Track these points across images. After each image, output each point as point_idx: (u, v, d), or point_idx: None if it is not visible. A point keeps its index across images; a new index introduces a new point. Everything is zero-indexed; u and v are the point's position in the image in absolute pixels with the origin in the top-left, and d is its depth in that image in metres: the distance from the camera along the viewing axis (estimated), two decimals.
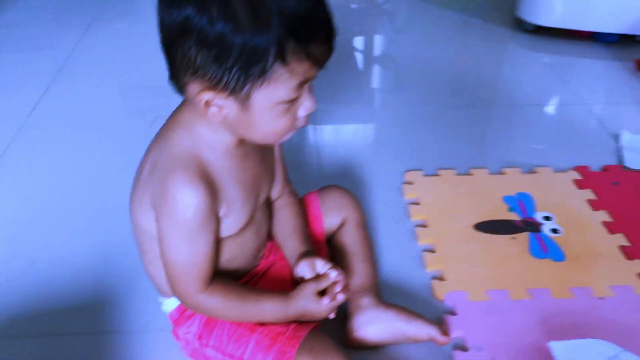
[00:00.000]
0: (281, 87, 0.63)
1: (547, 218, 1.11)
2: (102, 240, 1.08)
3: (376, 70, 1.86)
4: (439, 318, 0.91)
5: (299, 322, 0.77)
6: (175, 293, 0.75)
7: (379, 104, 1.62)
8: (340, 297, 0.76)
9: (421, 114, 1.49)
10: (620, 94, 1.60)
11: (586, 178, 1.22)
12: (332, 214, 0.93)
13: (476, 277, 0.99)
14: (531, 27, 1.87)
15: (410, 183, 1.21)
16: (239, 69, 0.60)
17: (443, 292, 0.95)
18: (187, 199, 0.67)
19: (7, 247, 1.08)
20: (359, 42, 2.02)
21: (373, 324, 0.84)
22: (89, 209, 1.16)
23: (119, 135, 1.41)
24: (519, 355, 0.85)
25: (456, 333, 0.88)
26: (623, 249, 1.04)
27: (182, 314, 0.81)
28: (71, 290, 0.98)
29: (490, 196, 1.17)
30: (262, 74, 0.61)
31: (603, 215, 1.12)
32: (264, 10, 0.58)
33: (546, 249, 1.04)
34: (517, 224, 1.10)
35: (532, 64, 1.77)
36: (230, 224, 0.74)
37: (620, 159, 1.29)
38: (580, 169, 1.25)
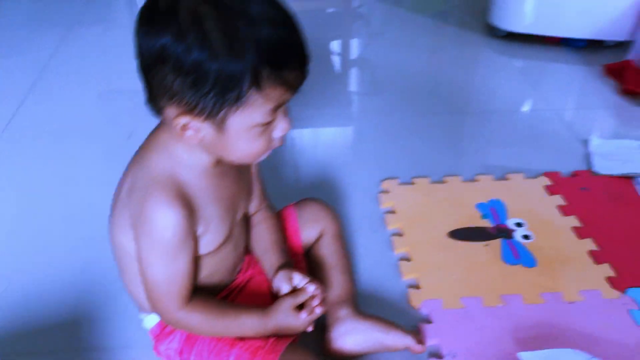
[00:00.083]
0: (256, 111, 0.64)
1: (518, 224, 1.14)
2: (81, 257, 1.08)
3: (351, 76, 1.88)
4: (415, 326, 0.93)
5: (278, 335, 0.79)
6: (156, 310, 0.77)
7: (354, 111, 1.64)
8: (318, 311, 0.78)
9: (396, 121, 1.52)
10: (589, 99, 1.64)
11: (556, 184, 1.26)
12: (309, 227, 0.95)
13: (451, 284, 1.01)
14: (503, 33, 1.91)
15: (386, 192, 1.24)
16: (215, 95, 0.62)
17: (419, 301, 0.98)
18: (165, 220, 0.69)
19: None
20: (334, 46, 2.04)
21: (351, 335, 0.86)
22: (67, 225, 1.16)
23: (97, 148, 1.41)
24: None
25: (431, 341, 0.90)
26: (592, 253, 1.08)
27: (163, 330, 0.82)
28: (50, 308, 0.98)
29: (463, 204, 1.20)
30: (238, 100, 0.62)
31: (573, 221, 1.16)
32: (239, 39, 0.60)
33: (518, 255, 1.07)
34: (489, 231, 1.13)
35: (504, 70, 1.81)
36: (209, 241, 0.76)
37: (589, 164, 1.33)
38: (550, 175, 1.29)
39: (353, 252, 1.08)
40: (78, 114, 1.56)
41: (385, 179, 1.28)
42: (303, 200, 0.99)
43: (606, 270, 1.04)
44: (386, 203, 1.20)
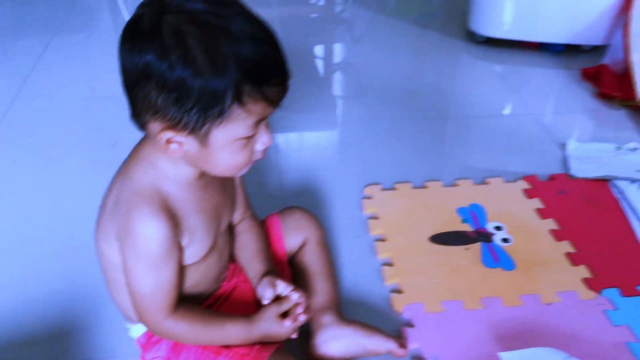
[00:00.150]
0: (239, 125, 0.66)
1: (498, 228, 1.17)
2: (67, 269, 1.08)
3: (334, 81, 1.90)
4: (397, 330, 0.96)
5: (263, 343, 0.81)
6: (142, 321, 0.78)
7: (337, 116, 1.66)
8: (302, 318, 0.80)
9: (379, 126, 1.54)
10: (567, 102, 1.68)
11: (535, 187, 1.29)
12: (293, 235, 0.97)
13: (432, 288, 1.04)
14: (482, 38, 1.94)
15: (369, 198, 1.26)
16: (198, 111, 0.64)
17: (401, 305, 1.00)
18: (151, 232, 0.70)
19: None
20: (317, 51, 2.07)
21: (335, 341, 0.88)
22: (53, 236, 1.17)
23: (82, 157, 1.41)
24: None
25: (413, 345, 0.93)
26: (569, 255, 1.11)
27: (150, 339, 0.84)
28: (37, 319, 0.99)
29: (444, 208, 1.22)
30: (221, 115, 0.64)
31: (550, 224, 1.19)
32: (221, 56, 0.61)
33: (497, 259, 1.10)
34: (469, 234, 1.16)
35: (483, 75, 1.84)
36: (194, 252, 0.77)
37: (566, 167, 1.37)
38: (529, 179, 1.32)
39: (337, 258, 1.10)
40: (63, 121, 1.56)
41: (368, 184, 1.30)
42: (287, 208, 1.01)
43: (582, 271, 1.07)
44: (369, 209, 1.23)
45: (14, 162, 1.41)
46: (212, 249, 0.81)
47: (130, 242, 0.71)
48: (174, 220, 0.72)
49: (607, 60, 1.75)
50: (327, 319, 0.90)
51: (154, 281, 0.73)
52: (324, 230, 1.02)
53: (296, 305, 0.80)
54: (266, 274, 0.85)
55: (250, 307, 0.86)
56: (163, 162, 0.72)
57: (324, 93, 1.78)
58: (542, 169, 1.36)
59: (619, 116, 1.59)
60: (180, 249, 0.75)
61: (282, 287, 0.82)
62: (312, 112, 1.62)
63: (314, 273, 0.95)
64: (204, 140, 0.67)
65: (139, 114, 0.67)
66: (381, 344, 0.88)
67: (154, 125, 0.67)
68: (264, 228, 0.95)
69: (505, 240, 1.14)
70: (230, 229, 0.90)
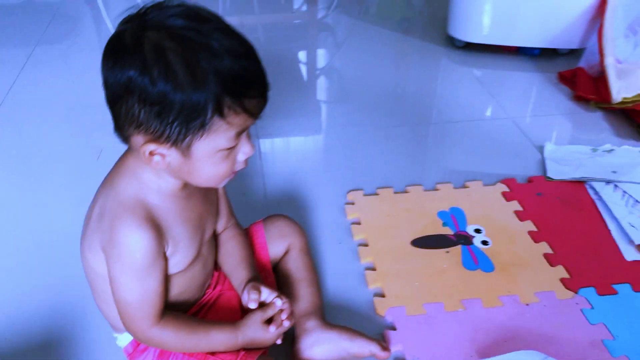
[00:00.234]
0: (220, 137, 0.68)
1: (477, 231, 1.20)
2: (52, 279, 1.09)
3: (316, 87, 1.92)
4: (380, 334, 0.98)
5: (248, 349, 0.82)
6: (128, 329, 0.79)
7: (320, 122, 1.68)
8: (286, 324, 0.82)
9: (361, 132, 1.56)
10: (544, 105, 1.71)
11: (513, 190, 1.32)
12: (276, 243, 0.99)
13: (414, 291, 1.06)
14: (461, 43, 1.98)
15: (352, 203, 1.28)
16: (179, 124, 0.65)
17: (384, 309, 1.02)
18: (135, 242, 0.72)
19: None
20: (301, 56, 2.09)
21: (319, 345, 0.90)
22: (38, 247, 1.17)
23: (66, 169, 1.41)
24: None
25: (396, 347, 0.95)
26: (547, 256, 1.14)
27: (137, 348, 0.85)
28: (23, 330, 0.99)
29: (425, 212, 1.25)
30: (202, 127, 0.66)
31: (529, 225, 1.22)
32: (201, 70, 0.63)
33: (477, 261, 1.12)
34: (450, 238, 1.18)
35: (463, 79, 1.87)
36: (179, 261, 0.79)
37: (544, 170, 1.40)
38: (507, 182, 1.34)
39: (321, 264, 1.12)
40: (47, 132, 1.56)
41: (351, 190, 1.32)
42: (270, 216, 1.02)
43: (560, 272, 1.10)
44: (352, 214, 1.25)
45: (1, 172, 1.41)
46: (196, 258, 0.82)
47: (115, 252, 0.73)
48: (158, 230, 0.73)
49: (582, 63, 1.80)
50: (311, 324, 0.92)
51: (139, 290, 0.75)
52: (307, 237, 1.04)
53: (280, 311, 0.82)
54: (250, 280, 0.87)
55: (235, 314, 0.88)
56: (147, 174, 0.74)
57: (307, 98, 1.81)
58: (521, 172, 1.39)
59: (595, 118, 1.63)
60: (165, 259, 0.76)
61: (267, 294, 0.84)
62: (295, 118, 1.64)
63: (297, 279, 0.97)
64: (186, 152, 0.68)
65: (123, 127, 0.69)
66: (364, 347, 0.90)
67: (137, 138, 0.68)
68: (248, 236, 0.97)
69: (484, 242, 1.17)
70: (214, 238, 0.92)
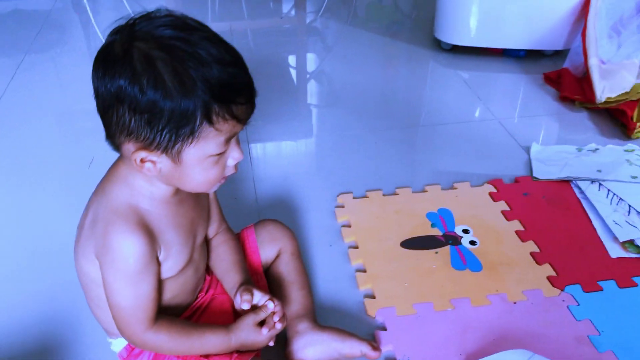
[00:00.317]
0: (210, 143, 0.69)
1: (465, 231, 1.22)
2: (46, 285, 1.10)
3: (307, 92, 1.94)
4: (371, 334, 0.99)
5: (241, 351, 0.84)
6: (123, 334, 0.80)
7: (310, 126, 1.70)
8: (279, 326, 0.84)
9: (350, 135, 1.58)
10: (530, 106, 1.74)
11: (500, 190, 1.34)
12: (268, 247, 1.00)
13: (404, 292, 1.08)
14: (448, 46, 2.00)
15: (342, 206, 1.30)
16: (169, 131, 0.67)
17: (374, 309, 1.04)
18: (128, 248, 0.73)
19: None
20: (290, 60, 2.11)
21: (310, 347, 0.92)
22: (33, 254, 1.18)
23: (58, 176, 1.42)
24: None
25: (386, 347, 0.96)
26: (533, 255, 1.16)
27: (131, 353, 0.86)
28: (18, 336, 1.00)
29: (414, 214, 1.27)
30: (192, 134, 0.68)
31: (516, 225, 1.24)
32: (190, 78, 0.65)
33: (465, 261, 1.14)
34: (439, 238, 1.20)
35: (450, 81, 1.89)
36: (171, 266, 0.80)
37: (530, 170, 1.42)
38: (494, 182, 1.37)
39: (312, 266, 1.13)
40: (39, 140, 1.57)
41: (341, 193, 1.34)
42: (261, 221, 1.04)
43: (547, 270, 1.12)
44: (342, 217, 1.26)
45: None
46: (188, 263, 0.84)
47: (108, 258, 0.74)
48: (150, 236, 0.75)
49: (567, 64, 1.82)
50: (303, 326, 0.93)
51: (133, 295, 0.76)
52: (298, 240, 1.05)
53: (273, 313, 0.84)
54: (243, 284, 0.88)
55: (228, 317, 0.89)
56: (138, 181, 0.75)
57: (296, 103, 1.82)
58: (508, 172, 1.41)
59: (580, 118, 1.65)
60: (157, 264, 0.78)
61: (259, 297, 0.85)
62: (284, 122, 1.65)
63: (289, 283, 0.98)
64: (176, 158, 0.70)
65: (114, 135, 0.70)
66: (355, 347, 0.92)
67: (128, 146, 0.70)
68: (239, 241, 0.98)
69: (472, 242, 1.19)
70: (206, 243, 0.93)
